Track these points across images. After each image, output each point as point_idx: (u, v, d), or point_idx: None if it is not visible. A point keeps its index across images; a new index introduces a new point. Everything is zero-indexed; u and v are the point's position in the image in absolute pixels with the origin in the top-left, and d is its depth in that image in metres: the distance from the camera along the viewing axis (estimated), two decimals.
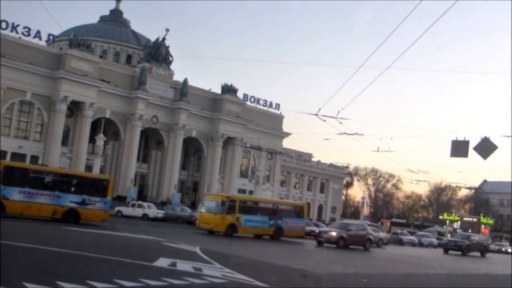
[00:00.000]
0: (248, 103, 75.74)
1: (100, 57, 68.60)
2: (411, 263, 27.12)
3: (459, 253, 40.31)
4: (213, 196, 39.68)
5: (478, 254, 41.84)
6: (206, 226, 33.21)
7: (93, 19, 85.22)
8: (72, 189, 29.86)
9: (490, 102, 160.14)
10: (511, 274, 25.06)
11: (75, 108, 60.73)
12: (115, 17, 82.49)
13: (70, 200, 28.93)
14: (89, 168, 60.24)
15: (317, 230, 42.15)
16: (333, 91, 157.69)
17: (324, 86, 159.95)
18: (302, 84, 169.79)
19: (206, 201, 36.61)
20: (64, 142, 60.01)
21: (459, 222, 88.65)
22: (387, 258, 29.01)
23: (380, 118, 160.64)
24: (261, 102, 76.82)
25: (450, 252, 40.80)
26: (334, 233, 33.29)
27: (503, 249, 67.78)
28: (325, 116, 27.23)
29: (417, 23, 20.93)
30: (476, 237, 44.75)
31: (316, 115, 27.15)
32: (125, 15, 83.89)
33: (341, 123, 28.03)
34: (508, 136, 25.68)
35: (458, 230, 76.56)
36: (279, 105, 78.28)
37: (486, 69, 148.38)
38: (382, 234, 39.36)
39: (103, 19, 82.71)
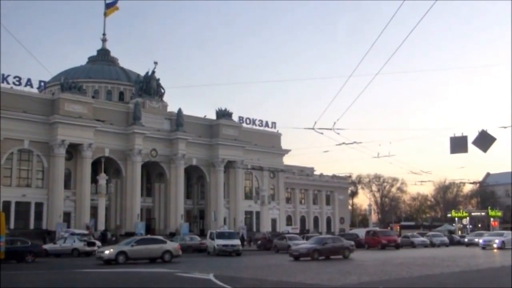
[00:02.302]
0: (244, 125, 76.18)
1: (93, 97, 69.02)
2: (425, 264, 27.08)
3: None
4: None
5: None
6: None
7: (82, 60, 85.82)
8: None
9: (483, 95, 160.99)
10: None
11: (73, 150, 60.99)
12: (103, 56, 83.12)
13: None
14: (94, 208, 60.48)
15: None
16: (327, 103, 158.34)
17: (318, 99, 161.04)
18: (295, 99, 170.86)
19: None
20: (67, 185, 60.19)
21: (467, 218, 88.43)
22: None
23: (376, 124, 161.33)
24: (257, 122, 77.34)
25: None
26: None
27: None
28: (321, 128, 27.57)
29: (401, 26, 21.29)
30: (331, 241, 35.19)
31: (313, 128, 27.48)
32: (112, 53, 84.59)
33: (338, 133, 28.37)
34: (506, 127, 25.92)
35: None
36: (275, 123, 79.06)
37: (473, 64, 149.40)
38: None
39: (91, 59, 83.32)
